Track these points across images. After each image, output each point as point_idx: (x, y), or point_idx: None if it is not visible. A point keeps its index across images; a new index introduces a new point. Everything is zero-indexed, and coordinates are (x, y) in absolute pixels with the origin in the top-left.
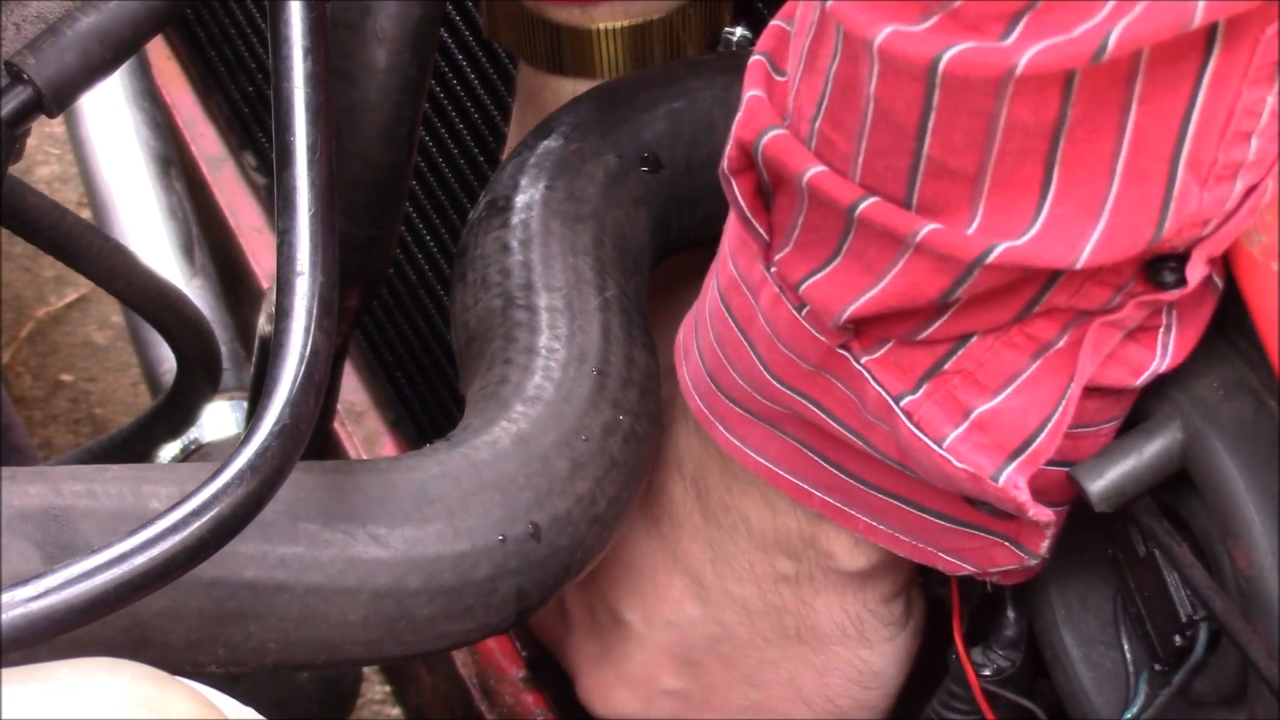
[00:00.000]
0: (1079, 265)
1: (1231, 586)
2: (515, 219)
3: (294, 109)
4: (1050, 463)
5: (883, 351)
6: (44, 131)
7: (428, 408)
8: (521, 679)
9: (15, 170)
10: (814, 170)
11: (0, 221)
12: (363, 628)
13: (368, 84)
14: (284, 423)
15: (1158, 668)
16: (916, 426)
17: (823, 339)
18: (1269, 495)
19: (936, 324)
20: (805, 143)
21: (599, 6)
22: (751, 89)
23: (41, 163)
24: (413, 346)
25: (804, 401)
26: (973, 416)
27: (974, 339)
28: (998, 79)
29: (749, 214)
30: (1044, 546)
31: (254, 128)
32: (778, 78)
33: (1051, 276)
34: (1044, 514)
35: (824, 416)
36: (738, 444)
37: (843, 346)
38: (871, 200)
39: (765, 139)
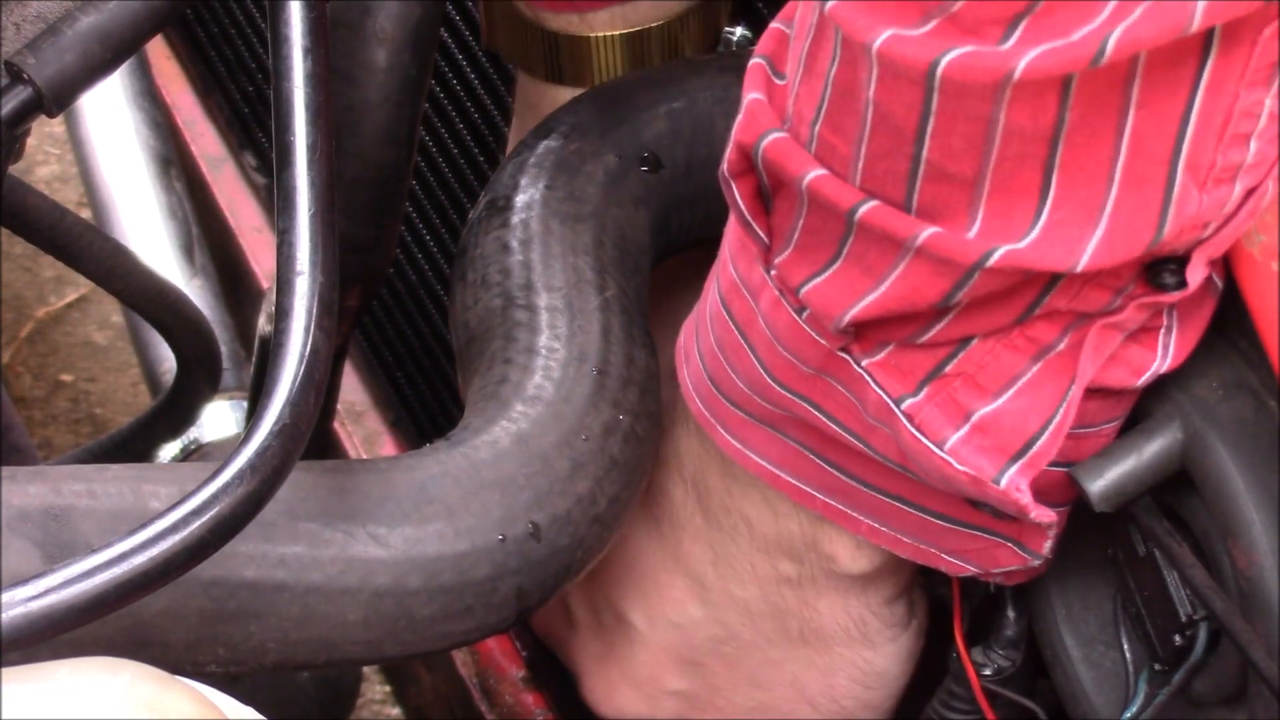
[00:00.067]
0: (1079, 268)
1: (1231, 586)
2: (515, 219)
3: (294, 109)
4: (1051, 463)
5: (883, 354)
6: (44, 131)
7: (428, 408)
8: (521, 679)
9: (15, 170)
10: (814, 174)
11: (0, 221)
12: (363, 627)
13: (368, 84)
14: (284, 422)
15: (1157, 667)
16: (918, 429)
17: (823, 342)
18: (1269, 495)
19: (937, 327)
20: (805, 146)
21: (597, 14)
22: (751, 92)
23: (41, 163)
24: (413, 346)
25: (804, 404)
26: (974, 419)
27: (974, 342)
28: (995, 84)
29: (749, 217)
30: (1047, 547)
31: (254, 128)
32: (777, 81)
33: (1052, 280)
34: (1046, 515)
35: (824, 419)
36: (739, 447)
37: (843, 349)
38: (871, 204)
39: (765, 142)
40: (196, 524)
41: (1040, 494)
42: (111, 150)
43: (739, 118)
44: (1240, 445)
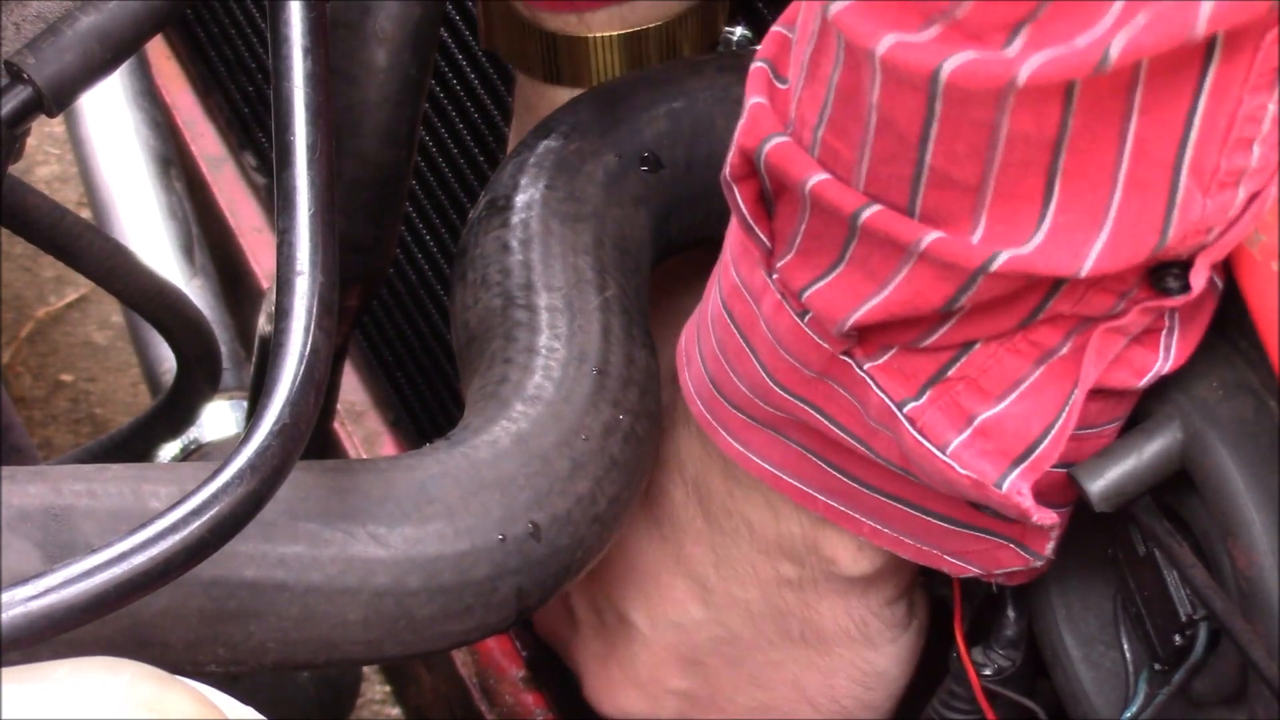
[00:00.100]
0: (1083, 273)
1: (1231, 586)
2: (515, 218)
3: (294, 109)
4: (1055, 465)
5: (886, 358)
6: (44, 131)
7: (428, 408)
8: (521, 679)
9: (15, 170)
10: (817, 178)
11: (0, 221)
12: (363, 627)
13: (368, 84)
14: (284, 422)
15: (1158, 667)
16: (920, 433)
17: (825, 345)
18: (1269, 495)
19: (940, 331)
20: (808, 150)
21: (595, 14)
22: (754, 96)
23: (41, 163)
24: (413, 346)
25: (806, 408)
26: (976, 423)
27: (977, 346)
28: (999, 90)
29: (751, 221)
30: (1049, 548)
31: (254, 128)
32: (779, 85)
33: (1055, 284)
34: (1048, 518)
35: (826, 423)
36: (741, 449)
37: (845, 353)
38: (875, 208)
39: (768, 146)
40: (196, 524)
41: (1041, 495)
42: (111, 150)
43: (741, 121)
44: (1240, 445)
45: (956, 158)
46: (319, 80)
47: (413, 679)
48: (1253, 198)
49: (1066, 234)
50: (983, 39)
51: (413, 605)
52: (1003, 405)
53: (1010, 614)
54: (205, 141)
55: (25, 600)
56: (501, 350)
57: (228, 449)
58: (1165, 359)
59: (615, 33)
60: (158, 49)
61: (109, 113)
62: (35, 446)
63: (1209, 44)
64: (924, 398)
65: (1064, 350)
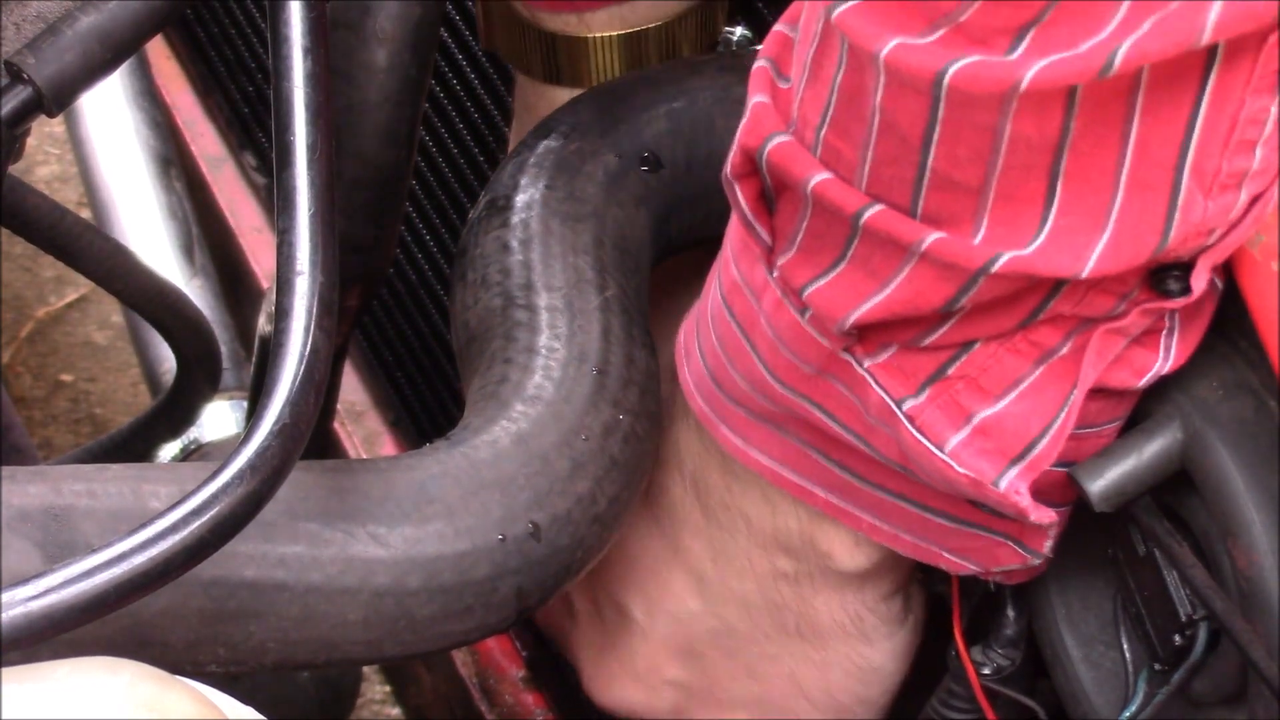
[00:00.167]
0: (1084, 275)
1: (1231, 586)
2: (515, 218)
3: (294, 109)
4: (1054, 464)
5: (886, 356)
6: (44, 131)
7: (428, 408)
8: (521, 679)
9: (15, 170)
10: (819, 177)
11: (0, 221)
12: (363, 627)
13: (368, 84)
14: (284, 422)
15: (1157, 667)
16: (919, 431)
17: (825, 343)
18: (1269, 495)
19: (940, 330)
20: (810, 150)
21: (595, 14)
22: (756, 95)
23: (41, 163)
24: (413, 346)
25: (806, 404)
26: (975, 422)
27: (977, 345)
28: (1002, 94)
29: (752, 218)
30: (1048, 546)
31: (254, 128)
32: (782, 84)
33: (1056, 285)
34: (1046, 516)
35: (826, 419)
36: (740, 444)
37: (846, 351)
38: (877, 208)
39: (770, 146)
40: (196, 524)
41: (1040, 494)
42: (111, 150)
43: (744, 120)
44: (1240, 445)
45: (959, 160)
46: (319, 80)
47: (413, 679)
48: (1254, 200)
49: (1068, 236)
50: (987, 43)
51: (413, 605)
52: (1002, 405)
53: (1010, 613)
54: (205, 141)
55: (25, 600)
56: (501, 350)
57: (228, 449)
58: (1165, 359)
59: (615, 33)
60: (158, 49)
61: (109, 113)
62: (35, 446)
63: (1211, 47)
64: (923, 396)
65: (1064, 350)
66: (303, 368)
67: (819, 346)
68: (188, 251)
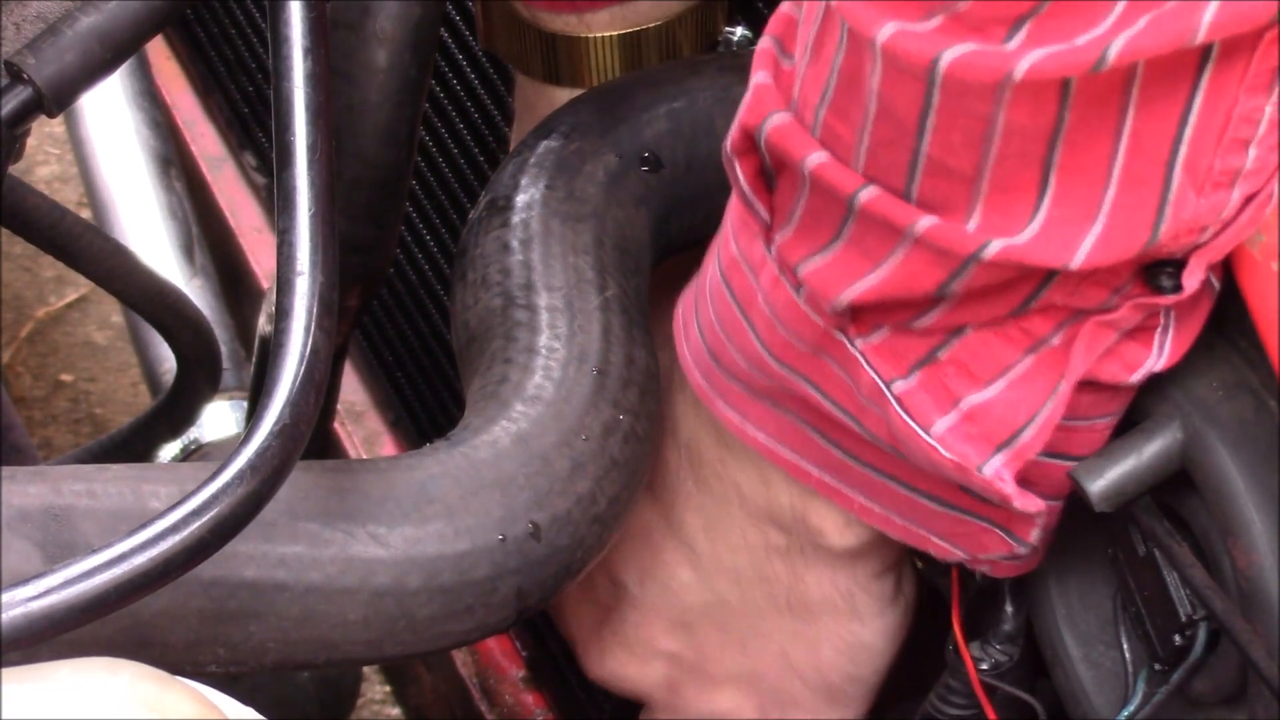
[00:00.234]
0: (1073, 266)
1: (1231, 586)
2: (515, 218)
3: (294, 109)
4: (1043, 454)
5: (878, 337)
6: (44, 131)
7: (428, 408)
8: (521, 679)
9: (15, 170)
10: (817, 157)
11: (0, 221)
12: (363, 627)
13: (368, 84)
14: (284, 422)
15: (1157, 667)
16: (907, 413)
17: (819, 321)
18: (1269, 495)
19: (933, 314)
20: (809, 130)
21: (596, 15)
22: (759, 72)
23: (41, 163)
24: (413, 346)
25: (801, 382)
26: (962, 407)
27: (969, 330)
28: (995, 83)
29: (751, 195)
30: (1034, 535)
31: (254, 128)
32: (785, 63)
33: (1048, 275)
34: (1032, 504)
35: (820, 397)
36: (736, 420)
37: (839, 330)
38: (872, 191)
39: (769, 124)
40: (196, 524)
41: (1030, 484)
42: (111, 150)
43: (746, 97)
44: (1240, 445)
45: (953, 147)
46: (319, 80)
47: (413, 679)
48: (1248, 199)
49: (1060, 226)
50: (984, 32)
51: (413, 605)
52: (990, 391)
53: (1008, 609)
54: (205, 141)
55: (25, 600)
56: (501, 350)
57: (228, 449)
58: (1158, 356)
59: (615, 33)
60: (158, 49)
61: (109, 113)
62: (35, 446)
63: (1206, 45)
64: (913, 378)
65: (1055, 341)
66: (303, 368)
67: (814, 325)
68: (188, 251)
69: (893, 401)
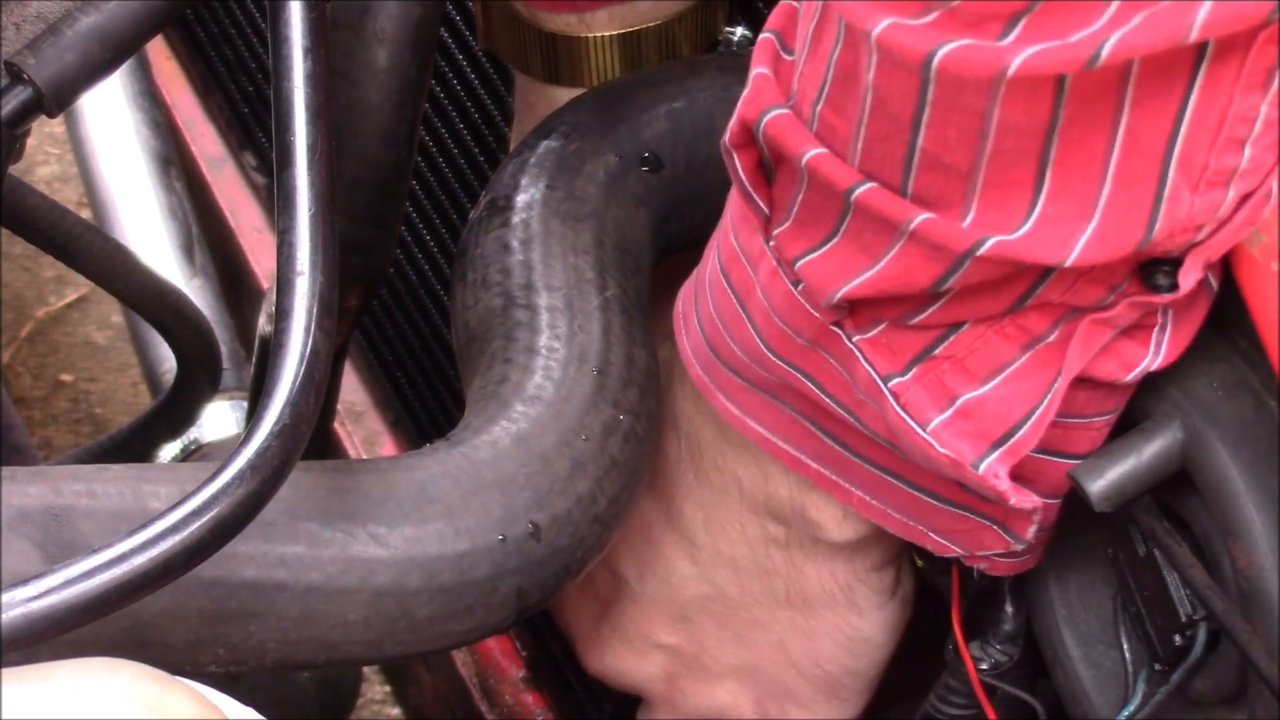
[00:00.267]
0: (1069, 263)
1: (1231, 586)
2: (516, 218)
3: (294, 109)
4: (1040, 451)
5: (875, 332)
6: (44, 131)
7: (428, 408)
8: (521, 679)
9: (15, 170)
10: (814, 152)
11: (0, 221)
12: (363, 627)
13: (368, 84)
14: (284, 423)
15: (1158, 667)
16: (903, 408)
17: (817, 315)
18: (1269, 495)
19: (930, 310)
20: (807, 124)
21: (595, 14)
22: (758, 66)
23: (41, 163)
24: (413, 346)
25: (799, 375)
26: (958, 403)
27: (966, 326)
28: (990, 79)
29: (750, 188)
30: (1030, 532)
31: (254, 128)
32: (785, 56)
33: (1044, 272)
34: (1028, 501)
35: (817, 391)
36: (737, 413)
37: (836, 324)
38: (869, 185)
39: (767, 118)
40: (196, 524)
41: (1028, 481)
42: (111, 150)
43: (745, 91)
44: (1240, 445)
45: (948, 143)
46: (319, 80)
47: (413, 679)
48: (1244, 198)
49: (1055, 223)
50: (979, 28)
51: (413, 605)
52: (986, 388)
53: (1008, 608)
54: (205, 141)
55: (25, 600)
56: (502, 350)
57: (228, 449)
58: (1155, 355)
59: (615, 33)
60: (158, 49)
61: (109, 113)
62: (35, 446)
63: (1201, 43)
64: (909, 374)
65: (1051, 338)
66: (303, 368)
67: (811, 318)
68: (188, 251)
69: (889, 397)
